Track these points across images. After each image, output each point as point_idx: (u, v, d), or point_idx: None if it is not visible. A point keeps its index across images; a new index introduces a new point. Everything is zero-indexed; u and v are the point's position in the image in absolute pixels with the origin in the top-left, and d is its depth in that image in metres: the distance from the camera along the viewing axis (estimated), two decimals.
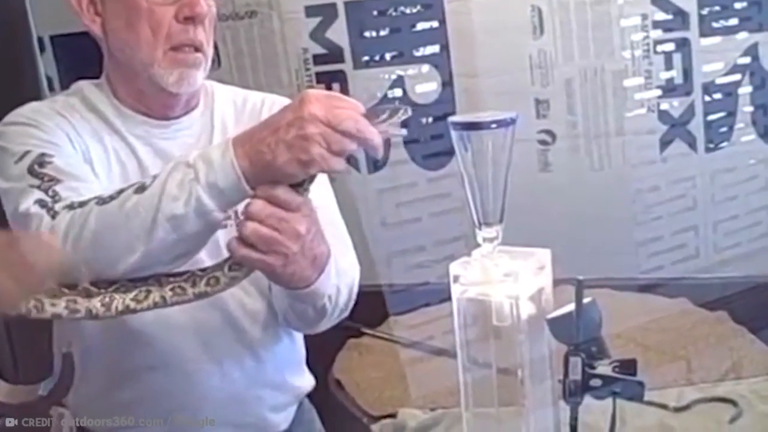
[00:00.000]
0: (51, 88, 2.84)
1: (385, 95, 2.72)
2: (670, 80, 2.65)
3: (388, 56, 2.76)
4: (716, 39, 2.63)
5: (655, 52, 2.62)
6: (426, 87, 2.74)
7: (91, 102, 1.35)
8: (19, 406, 1.34)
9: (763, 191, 2.75)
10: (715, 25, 2.62)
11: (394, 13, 2.73)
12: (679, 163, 2.71)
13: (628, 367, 1.20)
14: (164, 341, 1.34)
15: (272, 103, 1.46)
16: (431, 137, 2.79)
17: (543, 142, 2.70)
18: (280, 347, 1.46)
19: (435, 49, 2.72)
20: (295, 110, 1.02)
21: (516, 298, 1.24)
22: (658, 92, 2.66)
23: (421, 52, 2.74)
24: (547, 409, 1.32)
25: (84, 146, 1.30)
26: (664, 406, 1.65)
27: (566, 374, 1.23)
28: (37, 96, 2.67)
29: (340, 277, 1.27)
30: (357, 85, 2.71)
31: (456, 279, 1.28)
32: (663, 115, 2.67)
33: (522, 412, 1.28)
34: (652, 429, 1.59)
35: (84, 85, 1.38)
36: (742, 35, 2.63)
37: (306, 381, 1.56)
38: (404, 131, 1.10)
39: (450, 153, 1.28)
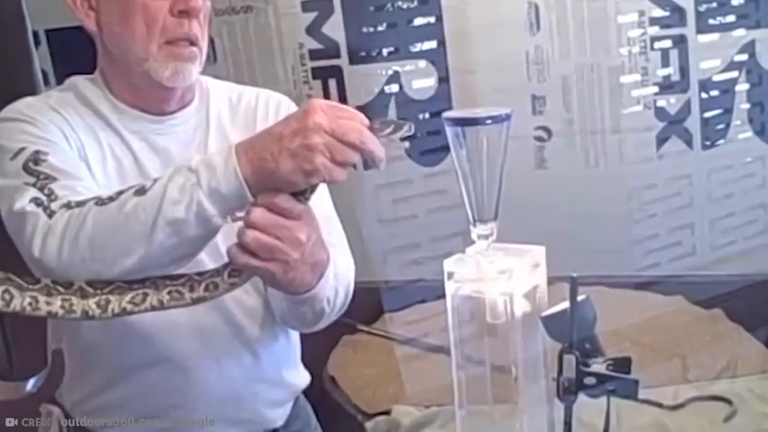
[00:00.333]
0: (46, 83, 2.83)
1: (382, 90, 2.71)
2: (666, 77, 2.64)
3: (384, 52, 2.75)
4: (713, 36, 2.63)
5: (652, 49, 2.61)
6: (422, 83, 2.74)
7: (85, 97, 1.34)
8: (8, 403, 1.33)
9: (760, 189, 2.75)
10: (712, 22, 2.61)
11: (390, 9, 2.73)
12: (675, 160, 2.70)
13: (623, 365, 1.20)
14: (162, 338, 1.33)
15: (267, 98, 1.45)
16: (427, 133, 2.78)
17: (539, 139, 2.70)
18: (276, 344, 1.45)
19: (432, 44, 2.71)
20: (299, 119, 1.02)
21: (510, 295, 1.24)
22: (655, 89, 2.65)
23: (417, 47, 2.74)
24: (542, 407, 1.32)
25: (79, 142, 1.29)
26: (659, 405, 1.65)
27: (560, 372, 1.22)
28: (32, 90, 2.67)
29: (338, 279, 1.27)
30: (353, 81, 2.71)
31: (450, 276, 1.28)
32: (659, 112, 2.67)
33: (516, 409, 1.28)
34: (648, 427, 1.59)
35: (78, 81, 1.38)
36: (739, 32, 2.62)
37: (302, 377, 1.56)
38: (406, 145, 1.09)
39: (446, 149, 1.27)
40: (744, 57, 2.63)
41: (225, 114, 1.42)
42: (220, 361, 1.38)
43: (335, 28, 2.69)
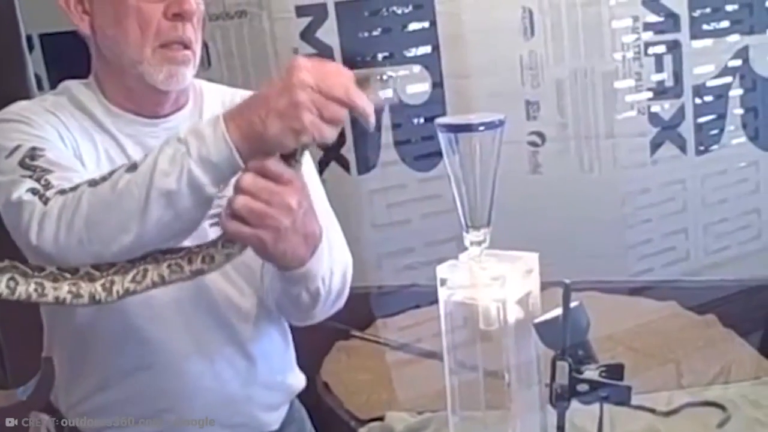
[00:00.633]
0: (40, 87, 2.83)
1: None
2: (660, 82, 2.65)
3: (379, 57, 2.75)
4: (707, 41, 2.63)
5: (646, 54, 2.62)
6: (417, 88, 2.74)
7: (79, 101, 1.34)
8: None
9: (754, 194, 2.75)
10: (706, 27, 2.62)
11: (385, 14, 2.73)
12: (669, 165, 2.70)
13: (616, 371, 1.20)
14: (156, 340, 1.33)
15: None
16: (422, 138, 2.78)
17: (533, 144, 2.70)
18: (271, 347, 1.45)
19: (426, 49, 2.71)
20: (284, 78, 1.01)
21: (503, 301, 1.23)
22: (649, 94, 2.65)
23: (412, 52, 2.74)
24: (534, 413, 1.32)
25: (74, 142, 1.29)
26: (652, 410, 1.65)
27: (553, 379, 1.22)
28: (26, 95, 2.66)
29: (334, 259, 1.26)
30: None
31: (443, 282, 1.28)
32: (653, 118, 2.67)
33: (509, 415, 1.28)
34: None
35: (71, 85, 1.38)
36: (733, 38, 2.63)
37: (297, 380, 1.56)
38: (395, 99, 1.09)
39: (440, 154, 1.27)
40: (738, 62, 2.63)
41: None
42: (213, 365, 1.38)
43: (329, 33, 2.68)
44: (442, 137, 1.23)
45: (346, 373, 2.06)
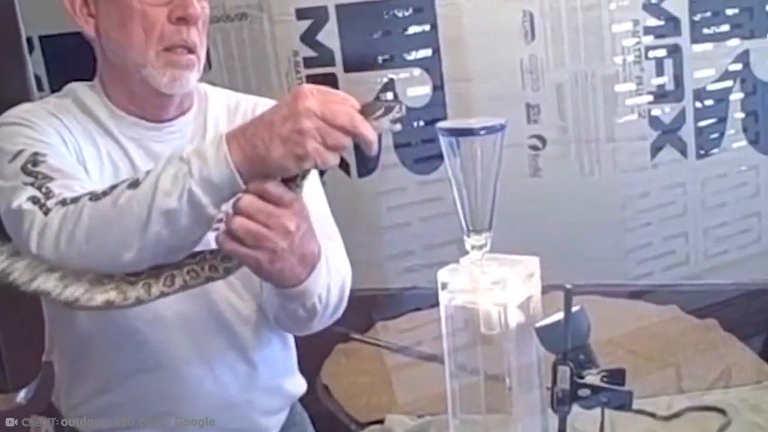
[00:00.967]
0: (40, 88, 2.83)
1: (377, 98, 2.71)
2: (661, 86, 2.65)
3: (379, 59, 2.75)
4: (708, 45, 2.63)
5: (647, 58, 2.62)
6: (417, 91, 2.74)
7: (83, 103, 1.34)
8: None
9: (754, 198, 2.75)
10: (706, 31, 2.62)
11: (385, 17, 2.73)
12: (669, 169, 2.70)
13: (617, 376, 1.20)
14: (156, 344, 1.33)
15: (264, 107, 1.43)
16: (422, 141, 2.78)
17: (534, 147, 2.70)
18: (272, 351, 1.45)
19: (427, 52, 2.72)
20: (290, 105, 1.02)
21: (504, 306, 1.23)
22: (649, 98, 2.66)
23: (412, 55, 2.74)
24: (535, 417, 1.32)
25: (77, 146, 1.29)
26: (652, 415, 1.64)
27: (554, 383, 1.22)
28: (26, 96, 2.67)
29: (332, 276, 1.26)
30: (348, 89, 2.70)
31: (444, 286, 1.28)
32: (654, 121, 2.67)
33: (510, 419, 1.28)
34: None
35: (76, 87, 1.38)
36: (734, 42, 2.63)
37: (298, 385, 1.55)
38: (398, 126, 1.09)
39: (441, 157, 1.27)
40: (738, 66, 2.64)
41: (223, 122, 1.42)
42: (213, 369, 1.38)
43: (330, 36, 2.69)
44: (444, 141, 1.23)
45: (345, 376, 2.06)
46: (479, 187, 1.23)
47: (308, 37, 2.70)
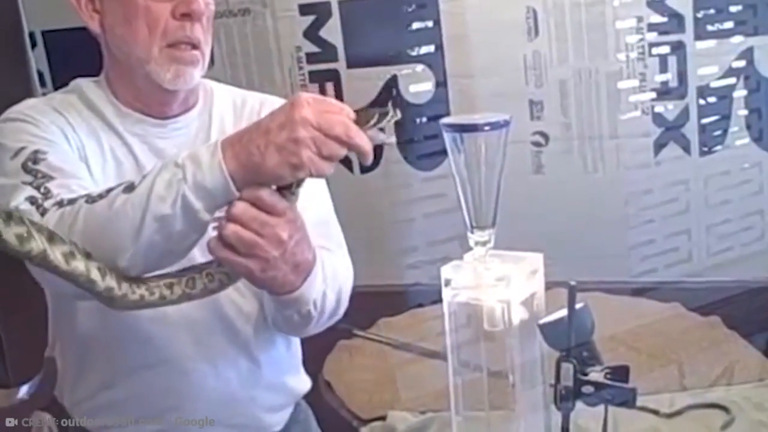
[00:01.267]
0: (42, 84, 2.83)
1: (380, 94, 2.71)
2: (664, 83, 2.65)
3: (382, 55, 2.75)
4: (711, 42, 2.63)
5: (650, 55, 2.61)
6: (420, 87, 2.74)
7: (89, 100, 1.35)
8: (1, 410, 1.33)
9: (757, 195, 2.75)
10: (710, 28, 2.61)
11: (388, 13, 2.72)
12: (672, 166, 2.70)
13: (620, 373, 1.19)
14: (159, 340, 1.33)
15: (271, 105, 1.44)
16: (425, 137, 2.78)
17: (536, 144, 2.70)
18: (275, 348, 1.45)
19: (429, 48, 2.71)
20: (286, 113, 1.02)
21: (507, 302, 1.23)
22: (653, 95, 2.65)
23: (415, 51, 2.73)
24: (538, 414, 1.31)
25: (80, 143, 1.29)
26: (655, 412, 1.64)
27: (558, 380, 1.22)
28: (28, 91, 2.67)
29: (328, 282, 1.25)
30: (350, 85, 2.70)
31: (447, 283, 1.27)
32: (657, 118, 2.67)
33: (513, 416, 1.28)
34: None
35: (82, 83, 1.38)
36: (738, 39, 2.62)
37: (302, 383, 1.55)
38: (393, 139, 1.09)
39: (444, 153, 1.27)
40: (742, 63, 2.63)
41: (228, 118, 1.42)
42: (216, 365, 1.38)
43: (333, 32, 2.69)
44: (447, 137, 1.23)
45: (348, 372, 2.05)
46: (483, 183, 1.23)
47: (311, 33, 2.69)
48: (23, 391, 1.40)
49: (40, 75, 2.82)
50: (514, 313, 1.23)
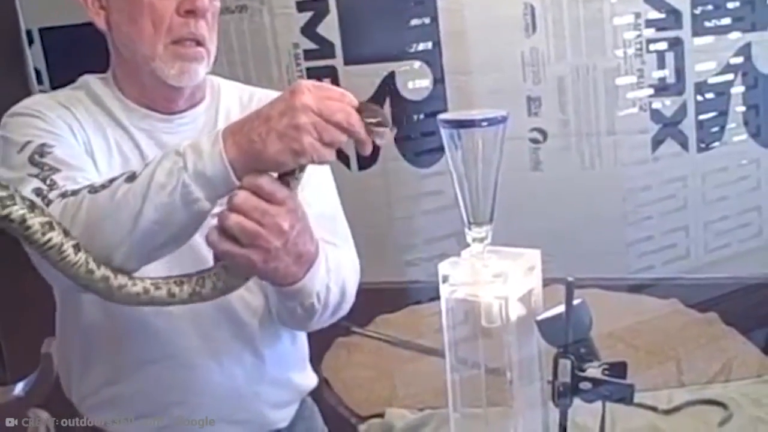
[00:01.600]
0: (39, 81, 2.83)
1: (378, 91, 2.71)
2: (662, 79, 2.65)
3: (380, 52, 2.74)
4: (709, 38, 2.63)
5: (648, 51, 2.62)
6: (418, 83, 2.74)
7: (96, 95, 1.35)
8: None
9: (754, 191, 2.75)
10: (707, 24, 2.62)
11: (386, 9, 2.72)
12: (670, 162, 2.70)
13: (618, 370, 1.19)
14: (164, 335, 1.33)
15: None
16: (422, 134, 2.78)
17: (534, 141, 2.70)
18: (280, 344, 1.45)
19: (427, 45, 2.71)
20: (287, 100, 1.02)
21: (505, 299, 1.23)
22: (650, 91, 2.66)
23: (413, 48, 2.73)
24: (536, 411, 1.31)
25: (86, 137, 1.30)
26: (653, 408, 1.64)
27: (556, 376, 1.22)
28: (26, 88, 2.66)
29: (331, 276, 1.25)
30: (348, 81, 2.70)
31: (445, 279, 1.27)
32: (655, 115, 2.67)
33: (510, 412, 1.27)
34: (642, 430, 1.59)
35: (90, 79, 1.39)
36: (735, 35, 2.62)
37: (307, 379, 1.55)
38: (385, 142, 1.09)
39: (441, 150, 1.26)
40: (740, 60, 2.63)
41: (235, 114, 1.41)
42: (222, 360, 1.38)
43: (330, 29, 2.68)
44: (445, 133, 1.22)
45: (346, 369, 2.05)
46: (480, 179, 1.22)
47: (309, 30, 2.69)
48: (19, 387, 1.40)
49: (38, 73, 2.81)
50: (511, 310, 1.23)
